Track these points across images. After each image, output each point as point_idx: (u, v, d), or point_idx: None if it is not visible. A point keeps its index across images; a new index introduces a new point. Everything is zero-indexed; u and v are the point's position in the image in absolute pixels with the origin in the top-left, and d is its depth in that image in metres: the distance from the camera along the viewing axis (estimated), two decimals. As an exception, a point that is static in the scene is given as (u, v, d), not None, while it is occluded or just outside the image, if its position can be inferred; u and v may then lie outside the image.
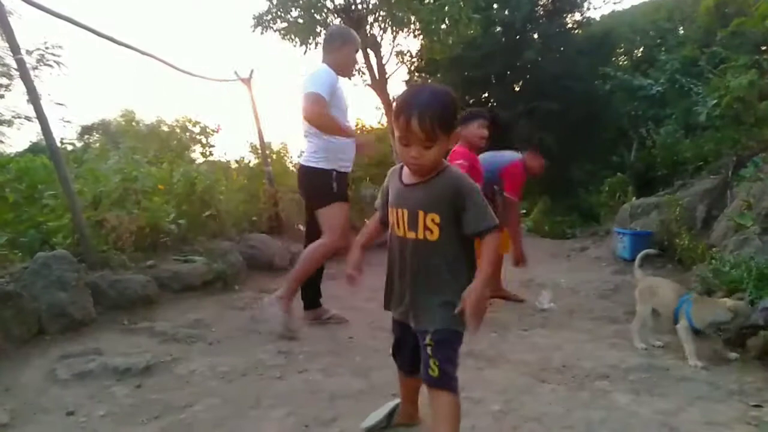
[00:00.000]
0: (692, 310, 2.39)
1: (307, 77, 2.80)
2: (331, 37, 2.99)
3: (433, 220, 1.39)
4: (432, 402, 1.42)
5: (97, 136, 16.76)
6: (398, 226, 1.45)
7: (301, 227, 5.94)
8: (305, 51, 9.11)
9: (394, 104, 1.48)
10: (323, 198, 2.89)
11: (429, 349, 1.40)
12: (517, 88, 11.79)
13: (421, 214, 1.40)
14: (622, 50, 13.21)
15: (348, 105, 3.00)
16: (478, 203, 1.39)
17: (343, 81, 2.98)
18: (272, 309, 2.85)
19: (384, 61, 9.73)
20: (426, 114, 1.31)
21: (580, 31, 12.15)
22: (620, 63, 12.45)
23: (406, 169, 1.48)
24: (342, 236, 2.90)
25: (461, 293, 1.37)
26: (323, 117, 2.73)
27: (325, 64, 2.88)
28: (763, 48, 5.95)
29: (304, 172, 2.96)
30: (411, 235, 1.42)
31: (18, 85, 8.99)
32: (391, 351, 1.66)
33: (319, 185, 2.88)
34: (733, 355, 2.40)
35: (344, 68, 2.95)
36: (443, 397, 1.40)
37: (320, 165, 2.86)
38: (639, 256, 2.95)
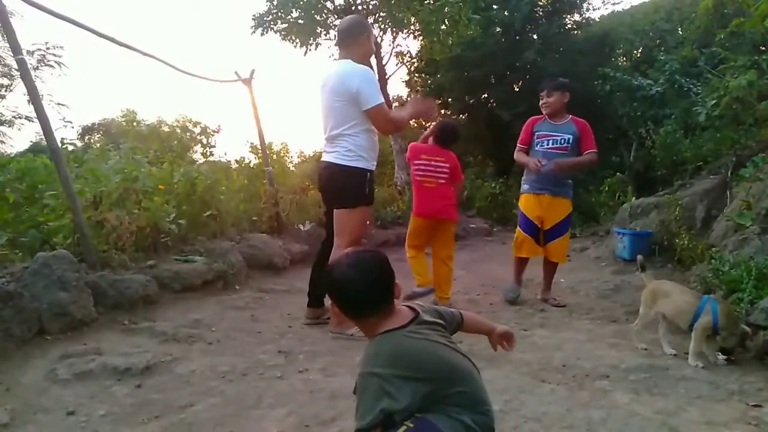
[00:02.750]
0: (720, 308, 2.35)
1: (359, 81, 2.64)
2: (355, 28, 2.80)
3: None
4: None
5: (98, 136, 16.78)
6: None
7: (302, 227, 5.97)
8: (305, 52, 9.13)
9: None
10: (352, 199, 2.76)
11: None
12: (516, 88, 11.78)
13: None
14: (621, 51, 13.20)
15: None
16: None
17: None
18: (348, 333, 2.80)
19: (384, 62, 9.74)
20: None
21: (579, 32, 12.13)
22: (620, 63, 12.45)
23: None
24: (357, 243, 2.77)
25: None
26: (399, 125, 2.82)
27: (355, 63, 2.72)
28: (762, 48, 5.95)
29: (337, 170, 2.76)
30: None
31: (19, 86, 9.02)
32: None
33: (351, 186, 2.75)
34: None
35: (368, 59, 2.89)
36: None
37: (356, 164, 2.73)
38: (639, 260, 2.85)
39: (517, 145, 3.80)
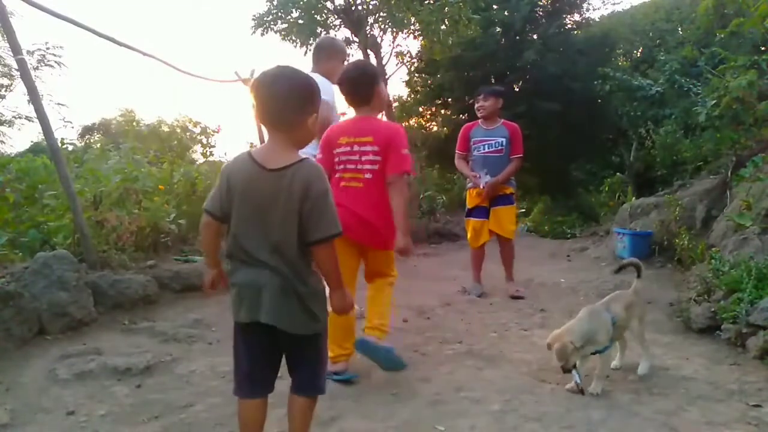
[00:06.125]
0: None
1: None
2: (318, 49, 3.08)
3: None
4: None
5: (98, 136, 16.80)
6: None
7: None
8: (305, 52, 9.14)
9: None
10: None
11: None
12: (516, 89, 11.77)
13: None
14: (621, 51, 13.20)
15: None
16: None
17: None
18: None
19: (384, 62, 9.74)
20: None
21: (579, 32, 12.14)
22: (620, 63, 12.45)
23: None
24: None
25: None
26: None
27: (319, 75, 2.95)
28: (762, 48, 5.95)
29: None
30: None
31: (19, 86, 9.02)
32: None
33: None
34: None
35: (330, 78, 3.00)
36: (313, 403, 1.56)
37: None
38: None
39: (456, 152, 4.03)
